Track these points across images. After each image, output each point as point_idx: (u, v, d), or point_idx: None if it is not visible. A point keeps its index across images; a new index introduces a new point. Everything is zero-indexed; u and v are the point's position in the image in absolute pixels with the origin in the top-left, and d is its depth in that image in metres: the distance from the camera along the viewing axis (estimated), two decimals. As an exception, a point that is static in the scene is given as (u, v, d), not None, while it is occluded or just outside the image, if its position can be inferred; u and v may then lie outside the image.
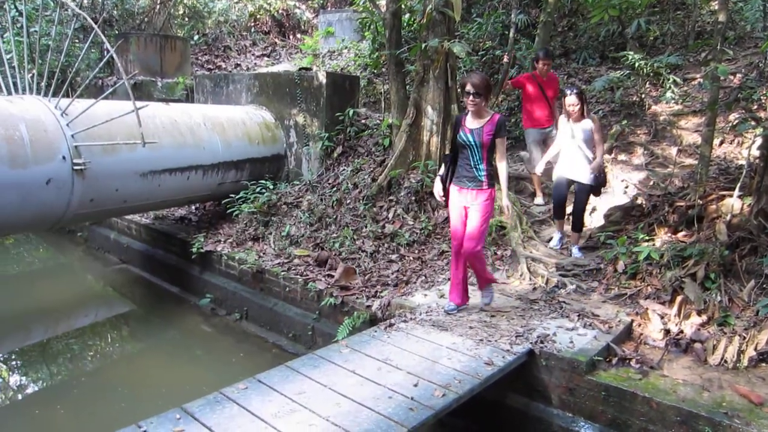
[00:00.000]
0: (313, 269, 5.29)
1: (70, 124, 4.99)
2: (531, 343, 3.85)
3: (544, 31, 8.23)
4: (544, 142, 6.46)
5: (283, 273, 5.25)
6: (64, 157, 4.87)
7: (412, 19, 8.74)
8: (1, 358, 5.70)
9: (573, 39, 9.62)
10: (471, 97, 3.96)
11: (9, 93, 5.51)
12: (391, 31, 7.18)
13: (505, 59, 7.74)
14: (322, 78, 7.26)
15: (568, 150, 5.34)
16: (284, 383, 3.35)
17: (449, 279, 5.12)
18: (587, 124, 5.25)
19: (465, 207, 4.19)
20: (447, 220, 5.98)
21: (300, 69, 8.00)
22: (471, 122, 4.11)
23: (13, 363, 5.70)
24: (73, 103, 5.10)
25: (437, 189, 4.34)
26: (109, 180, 5.26)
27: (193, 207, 7.65)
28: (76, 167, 4.92)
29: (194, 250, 6.27)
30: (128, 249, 7.97)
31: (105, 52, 10.69)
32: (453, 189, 4.25)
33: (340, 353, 3.77)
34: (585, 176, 5.27)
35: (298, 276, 5.15)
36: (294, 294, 5.13)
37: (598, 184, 5.32)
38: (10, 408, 4.85)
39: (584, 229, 5.84)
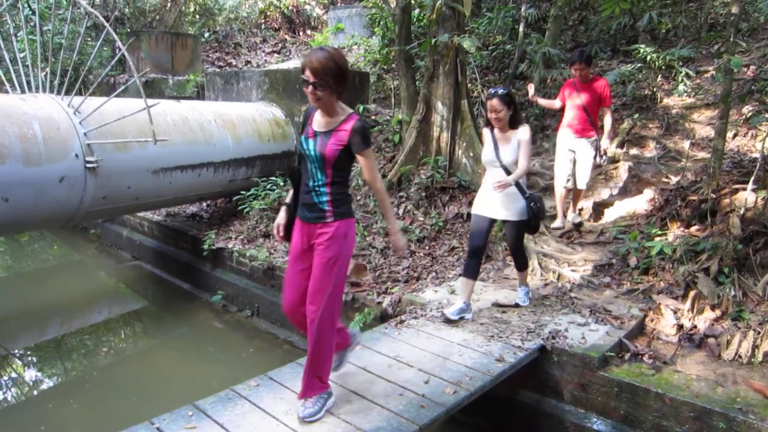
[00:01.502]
0: (322, 265, 5.28)
1: (82, 122, 5.03)
2: (542, 339, 3.84)
3: (554, 25, 8.17)
4: (573, 154, 5.67)
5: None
6: (76, 155, 4.90)
7: (422, 15, 8.70)
8: (17, 354, 5.78)
9: (584, 33, 9.54)
10: (309, 88, 2.63)
11: (23, 91, 5.57)
12: (400, 26, 7.17)
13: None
14: (332, 74, 7.24)
15: (491, 174, 4.07)
16: (296, 380, 3.35)
17: (460, 275, 5.12)
18: (518, 136, 3.96)
19: (304, 250, 2.85)
20: (458, 216, 5.98)
21: (309, 65, 7.99)
22: (318, 123, 2.80)
23: (29, 359, 5.77)
24: (85, 102, 5.14)
25: (278, 220, 2.97)
26: (122, 177, 5.30)
27: (204, 204, 7.69)
28: (88, 165, 4.95)
29: (206, 246, 6.31)
30: (140, 246, 8.04)
31: (117, 50, 10.75)
32: (297, 222, 2.89)
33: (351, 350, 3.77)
34: (513, 210, 4.01)
35: (309, 272, 5.15)
36: (305, 290, 5.14)
37: (535, 216, 4.00)
38: (26, 403, 4.92)
39: (596, 224, 5.79)
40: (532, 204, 3.97)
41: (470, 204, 6.04)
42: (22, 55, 6.01)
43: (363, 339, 3.97)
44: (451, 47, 6.46)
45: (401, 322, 4.23)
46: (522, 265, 4.37)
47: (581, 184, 5.64)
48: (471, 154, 6.47)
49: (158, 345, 5.90)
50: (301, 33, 15.53)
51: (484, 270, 5.20)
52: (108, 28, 5.23)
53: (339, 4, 15.25)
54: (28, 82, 5.52)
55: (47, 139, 4.75)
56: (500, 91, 3.92)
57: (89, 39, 11.00)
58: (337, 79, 2.62)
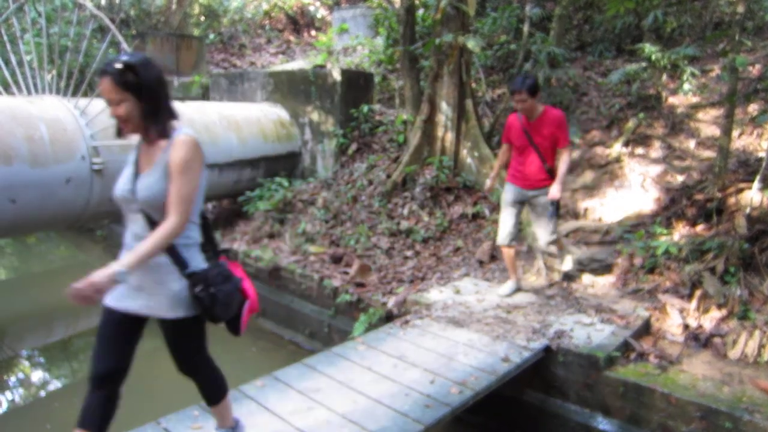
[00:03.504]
0: (328, 266, 5.31)
1: (88, 123, 5.06)
2: (548, 338, 3.84)
3: (559, 25, 8.14)
4: (521, 206, 4.58)
5: (299, 270, 5.29)
6: (83, 157, 4.94)
7: (426, 15, 8.70)
8: (24, 355, 5.81)
9: (589, 32, 9.50)
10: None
11: (29, 93, 5.60)
12: (404, 26, 7.17)
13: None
14: (337, 75, 7.27)
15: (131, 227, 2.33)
16: (301, 380, 3.37)
17: (465, 275, 5.12)
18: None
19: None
20: (462, 216, 5.98)
21: (314, 66, 8.01)
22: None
23: (36, 359, 5.80)
24: (91, 103, 5.17)
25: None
26: (127, 179, 5.32)
27: (209, 205, 7.72)
28: (94, 166, 4.99)
29: (211, 247, 6.34)
30: (147, 247, 8.05)
31: (122, 52, 10.81)
32: None
33: (356, 350, 3.79)
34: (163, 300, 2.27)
35: (314, 273, 5.18)
36: (310, 291, 5.16)
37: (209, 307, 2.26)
38: (32, 403, 4.95)
39: (601, 223, 5.77)
40: (199, 290, 2.20)
41: (475, 204, 6.06)
42: (28, 57, 6.04)
43: (368, 339, 3.98)
44: (455, 47, 6.46)
45: (406, 322, 4.24)
46: (216, 391, 2.63)
47: (544, 244, 4.59)
48: (476, 154, 6.47)
49: (163, 346, 5.90)
50: (305, 34, 15.55)
51: (489, 270, 5.21)
52: (113, 30, 5.26)
53: (343, 5, 15.26)
54: (35, 84, 5.55)
55: (54, 141, 4.78)
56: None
57: (95, 41, 11.05)
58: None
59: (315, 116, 7.46)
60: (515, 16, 9.26)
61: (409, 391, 3.28)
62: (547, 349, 3.78)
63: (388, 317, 4.58)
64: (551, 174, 4.38)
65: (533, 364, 3.73)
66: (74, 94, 5.30)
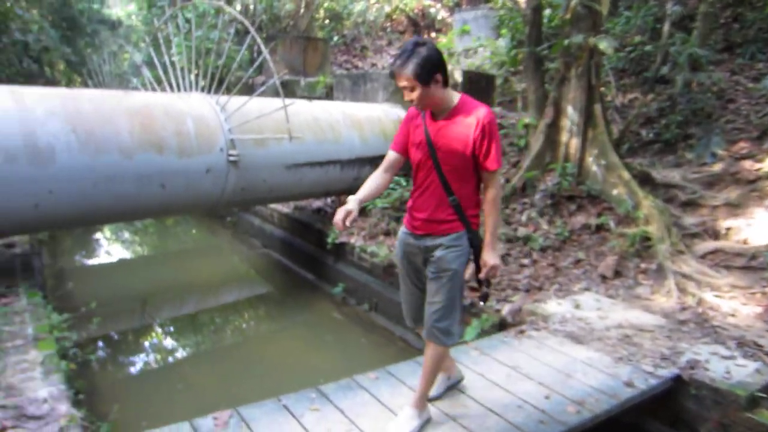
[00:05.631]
0: (442, 267, 5.29)
1: (227, 119, 5.46)
2: (679, 367, 3.54)
3: (703, 24, 7.48)
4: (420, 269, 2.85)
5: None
6: (221, 149, 5.33)
7: (554, 15, 8.39)
8: (159, 323, 6.40)
9: (739, 32, 8.61)
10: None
11: (176, 91, 6.17)
12: (531, 27, 6.97)
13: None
14: (458, 76, 7.25)
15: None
16: (413, 377, 3.39)
17: (586, 289, 4.88)
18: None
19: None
20: (585, 227, 5.70)
21: (436, 68, 8.04)
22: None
23: (168, 329, 6.38)
24: (230, 100, 5.58)
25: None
26: (258, 171, 5.68)
27: (329, 199, 8.02)
28: (231, 158, 5.37)
29: (329, 240, 6.59)
30: (270, 236, 8.57)
31: (255, 54, 11.55)
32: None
33: (468, 355, 3.75)
34: None
35: (428, 273, 5.19)
36: (423, 291, 5.18)
37: None
38: (166, 365, 5.47)
39: (747, 246, 5.20)
40: None
41: (599, 215, 5.75)
42: (176, 58, 6.65)
43: (481, 345, 3.92)
44: (585, 48, 6.16)
45: (521, 332, 4.12)
46: None
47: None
48: (603, 161, 6.13)
49: (281, 329, 6.26)
50: (425, 36, 15.67)
51: (612, 286, 4.91)
52: (253, 33, 5.63)
53: (464, 7, 15.15)
54: (179, 84, 6.11)
55: (198, 135, 5.21)
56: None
57: (233, 44, 11.92)
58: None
59: (434, 117, 7.47)
60: (652, 15, 8.64)
61: (522, 403, 3.19)
62: (677, 379, 3.48)
63: (501, 325, 4.48)
64: (459, 214, 2.68)
65: (660, 393, 3.46)
66: (215, 91, 5.74)
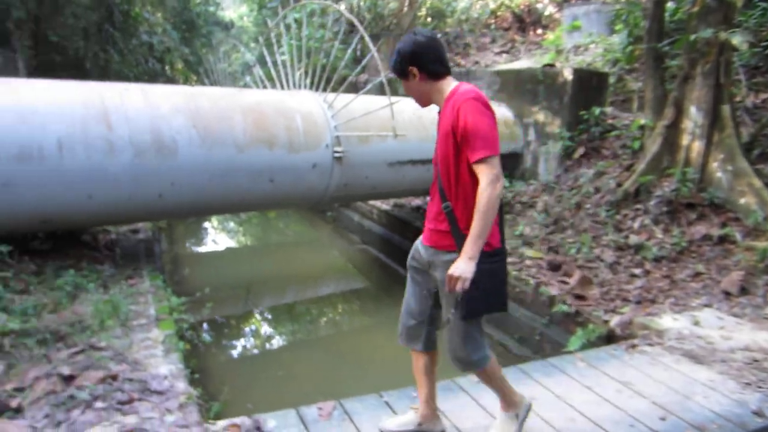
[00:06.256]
0: (545, 273, 5.10)
1: (334, 116, 5.60)
2: (822, 399, 3.15)
3: None
4: (426, 279, 2.61)
5: (514, 272, 5.18)
6: (327, 145, 5.48)
7: (678, 8, 7.79)
8: (261, 311, 6.71)
9: None
10: None
11: (284, 88, 6.42)
12: (651, 21, 6.52)
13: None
14: (568, 74, 6.93)
15: None
16: (515, 385, 3.26)
17: (706, 305, 4.50)
18: None
19: None
20: (706, 238, 5.25)
21: (543, 65, 7.74)
22: None
23: (268, 316, 6.66)
24: (337, 98, 5.71)
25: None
26: (361, 167, 5.77)
27: (428, 198, 8.03)
28: (335, 155, 5.50)
29: (428, 239, 6.56)
30: (369, 231, 8.72)
31: (358, 52, 11.78)
32: None
33: (575, 366, 3.57)
34: None
35: (530, 278, 5.02)
36: (524, 295, 5.02)
37: None
38: (266, 351, 5.72)
39: None
40: None
41: (723, 225, 5.27)
42: (284, 57, 6.91)
43: (588, 357, 3.72)
44: (714, 44, 5.66)
45: (633, 346, 3.86)
46: None
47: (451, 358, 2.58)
48: (729, 167, 5.60)
49: (375, 325, 6.33)
50: (531, 32, 15.16)
51: (738, 304, 4.48)
52: (362, 33, 5.73)
53: (575, 1, 14.50)
54: (288, 81, 6.34)
55: (306, 131, 5.39)
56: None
57: (336, 42, 12.25)
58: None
59: (540, 117, 7.22)
60: (794, 7, 7.76)
61: (634, 422, 2.99)
62: (820, 412, 3.10)
63: (609, 337, 4.23)
64: (452, 225, 2.36)
65: (796, 426, 3.10)
66: (321, 89, 5.90)
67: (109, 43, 9.25)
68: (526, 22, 15.54)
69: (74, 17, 8.56)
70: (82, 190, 4.33)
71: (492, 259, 2.35)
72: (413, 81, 2.42)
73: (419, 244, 2.62)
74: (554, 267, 5.16)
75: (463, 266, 2.23)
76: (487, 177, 2.21)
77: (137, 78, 9.57)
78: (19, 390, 2.93)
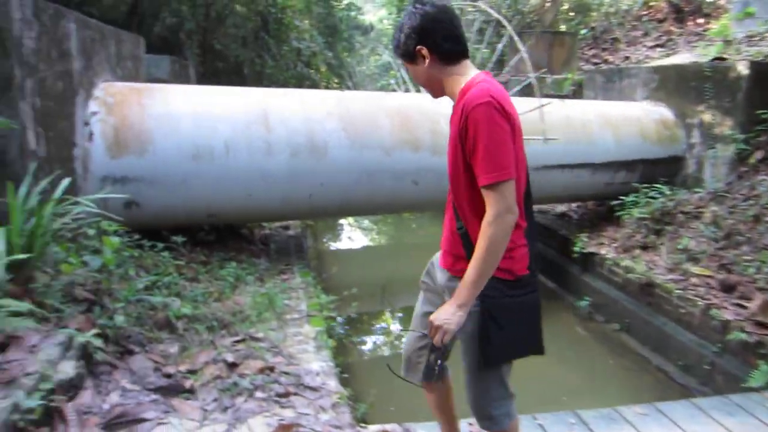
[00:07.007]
0: (716, 294, 4.52)
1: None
2: None
3: None
4: (432, 299, 2.34)
5: (677, 291, 4.66)
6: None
7: None
8: (394, 311, 6.73)
9: None
10: None
11: (418, 91, 6.38)
12: None
13: None
14: (743, 68, 6.12)
15: None
16: (690, 423, 2.93)
17: None
18: None
19: None
20: None
21: (713, 59, 6.92)
22: None
23: (397, 315, 6.65)
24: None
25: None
26: (506, 172, 5.56)
27: (574, 204, 7.56)
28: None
29: (576, 249, 6.16)
30: (508, 237, 8.41)
31: (498, 51, 11.46)
32: None
33: (764, 407, 3.10)
34: None
35: (697, 298, 4.48)
36: (689, 317, 4.49)
37: None
38: (396, 353, 5.70)
39: None
40: None
41: None
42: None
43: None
44: None
45: (838, 389, 3.27)
46: None
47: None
48: None
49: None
50: (690, 22, 13.73)
51: None
52: (511, 32, 5.53)
53: (746, -15, 12.85)
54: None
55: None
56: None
57: (483, 45, 12.04)
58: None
59: (707, 117, 6.46)
60: None
61: None
62: None
63: (802, 375, 3.61)
64: (467, 250, 1.96)
65: None
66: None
67: (263, 49, 9.95)
68: (685, 11, 14.10)
69: (235, 27, 9.34)
70: (244, 187, 4.66)
71: (516, 291, 1.92)
72: (422, 65, 1.95)
73: (436, 261, 2.25)
74: (727, 288, 4.56)
75: (447, 315, 1.82)
76: (494, 209, 1.77)
77: (287, 81, 10.18)
78: (192, 372, 3.18)
